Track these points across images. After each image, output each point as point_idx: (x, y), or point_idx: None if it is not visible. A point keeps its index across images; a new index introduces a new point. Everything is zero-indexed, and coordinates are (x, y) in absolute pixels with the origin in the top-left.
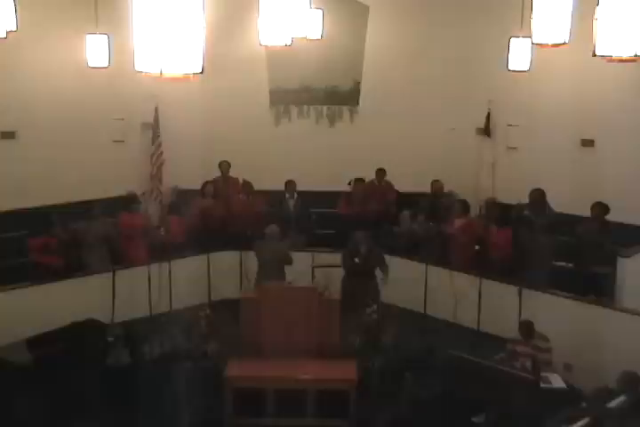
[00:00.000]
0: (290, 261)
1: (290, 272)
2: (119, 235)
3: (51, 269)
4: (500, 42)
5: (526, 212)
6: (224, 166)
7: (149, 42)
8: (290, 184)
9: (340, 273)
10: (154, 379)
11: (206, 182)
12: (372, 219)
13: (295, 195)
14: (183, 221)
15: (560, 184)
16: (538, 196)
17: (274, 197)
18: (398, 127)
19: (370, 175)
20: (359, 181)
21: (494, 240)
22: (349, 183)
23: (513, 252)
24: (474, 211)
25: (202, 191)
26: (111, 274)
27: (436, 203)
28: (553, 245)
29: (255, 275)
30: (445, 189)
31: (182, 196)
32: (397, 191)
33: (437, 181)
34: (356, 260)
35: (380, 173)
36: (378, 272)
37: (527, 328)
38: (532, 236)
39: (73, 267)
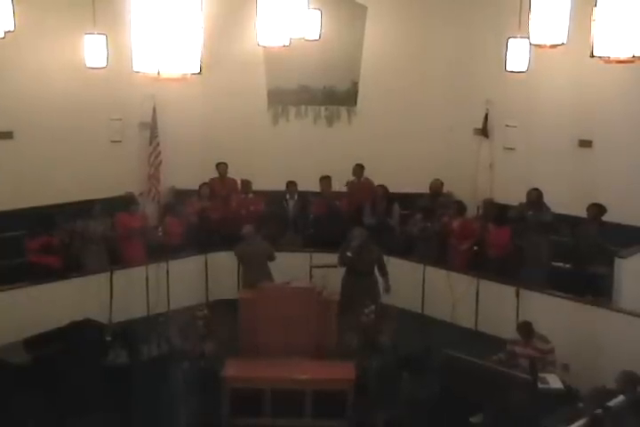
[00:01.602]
0: (273, 258)
1: (288, 272)
2: (117, 235)
3: (49, 270)
4: (497, 42)
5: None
6: (222, 168)
7: (147, 42)
8: (291, 185)
9: (337, 274)
10: (151, 379)
11: (203, 184)
12: (349, 216)
13: (296, 196)
14: (180, 223)
15: (558, 185)
16: (535, 196)
17: (271, 197)
18: (396, 128)
19: (368, 176)
20: (325, 179)
21: (492, 239)
22: (347, 184)
23: (511, 251)
24: (472, 211)
25: (198, 193)
26: (109, 274)
27: (435, 202)
28: (549, 245)
29: (242, 276)
30: (444, 190)
31: (180, 196)
32: (385, 187)
33: (437, 179)
34: (348, 253)
35: (358, 168)
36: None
37: (526, 329)
38: (530, 236)
39: (71, 267)
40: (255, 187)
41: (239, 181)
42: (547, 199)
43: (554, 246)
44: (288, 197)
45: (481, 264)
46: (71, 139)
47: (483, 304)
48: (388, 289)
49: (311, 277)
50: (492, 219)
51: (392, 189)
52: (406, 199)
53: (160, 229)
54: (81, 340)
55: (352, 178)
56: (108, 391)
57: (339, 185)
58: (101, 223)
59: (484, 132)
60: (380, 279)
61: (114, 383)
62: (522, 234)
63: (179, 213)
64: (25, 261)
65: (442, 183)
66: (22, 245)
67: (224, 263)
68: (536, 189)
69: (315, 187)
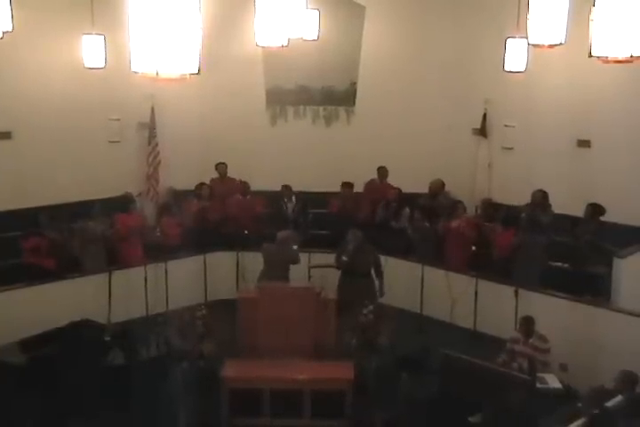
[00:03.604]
0: (297, 261)
1: None
2: (116, 235)
3: (45, 271)
4: (496, 42)
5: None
6: (221, 168)
7: (145, 42)
8: (285, 189)
9: (336, 274)
10: (150, 379)
11: (202, 184)
12: (367, 220)
13: (293, 198)
14: (177, 223)
15: (556, 185)
16: (540, 197)
17: (269, 198)
18: (395, 128)
19: (366, 176)
20: (346, 185)
21: (498, 241)
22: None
23: (517, 252)
24: (470, 211)
25: (198, 193)
26: (107, 274)
27: (434, 202)
28: (545, 244)
29: (258, 274)
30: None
31: (178, 196)
32: (399, 190)
33: (438, 179)
34: (344, 257)
35: (382, 171)
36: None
37: (527, 324)
38: (539, 236)
39: (67, 267)
40: (253, 187)
41: (238, 180)
42: None
43: (548, 246)
44: (286, 200)
45: (483, 265)
46: (70, 139)
47: (481, 304)
48: (381, 294)
49: (310, 277)
50: (499, 220)
51: None
52: (405, 199)
53: (158, 229)
54: (80, 340)
55: (371, 177)
56: (106, 392)
57: (337, 186)
58: (100, 223)
59: (482, 132)
60: (376, 280)
61: (113, 384)
62: (533, 235)
63: (175, 214)
64: (22, 261)
65: (443, 183)
66: (19, 245)
67: (223, 263)
68: (541, 191)
69: (314, 187)
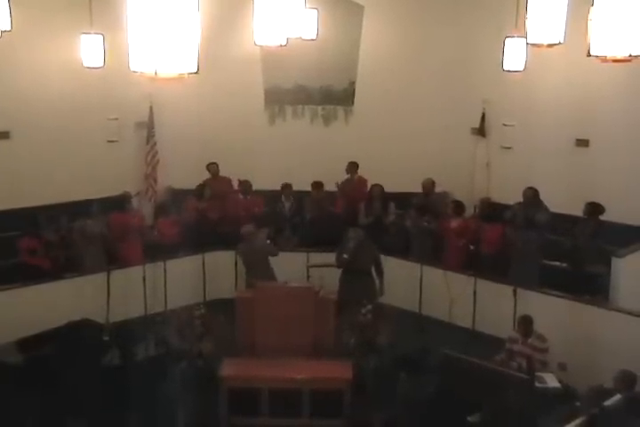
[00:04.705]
0: (275, 253)
1: (285, 272)
2: (113, 235)
3: (40, 271)
4: (494, 42)
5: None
6: (212, 168)
7: (144, 42)
8: (286, 188)
9: (335, 273)
10: (149, 379)
11: (201, 185)
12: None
13: (291, 198)
14: (173, 223)
15: (555, 184)
16: (531, 195)
17: (268, 197)
18: (393, 127)
19: (364, 176)
20: (317, 185)
21: (484, 236)
22: (337, 184)
23: (508, 250)
24: (469, 211)
25: (199, 193)
26: (106, 274)
27: (427, 201)
28: (540, 243)
29: (246, 276)
30: (440, 189)
31: (176, 196)
32: (380, 186)
33: (428, 178)
34: (345, 255)
35: (352, 166)
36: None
37: (525, 324)
38: (527, 234)
39: (64, 267)
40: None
41: (234, 181)
42: (544, 198)
43: (543, 244)
44: (283, 198)
45: (478, 264)
46: (68, 139)
47: (480, 304)
48: (381, 293)
49: (308, 276)
50: (484, 217)
51: (389, 189)
52: (404, 199)
53: (155, 229)
54: (78, 340)
55: (346, 176)
56: (104, 391)
57: (333, 185)
58: (99, 223)
59: (481, 131)
60: (377, 279)
61: (111, 383)
62: (521, 232)
63: (172, 214)
64: (19, 261)
65: (433, 182)
66: (17, 245)
67: (221, 263)
68: (531, 188)
69: (310, 187)
